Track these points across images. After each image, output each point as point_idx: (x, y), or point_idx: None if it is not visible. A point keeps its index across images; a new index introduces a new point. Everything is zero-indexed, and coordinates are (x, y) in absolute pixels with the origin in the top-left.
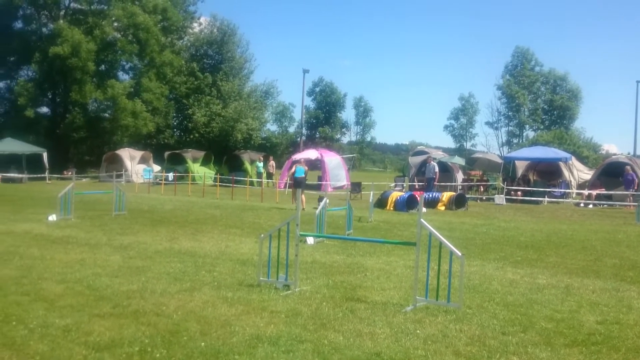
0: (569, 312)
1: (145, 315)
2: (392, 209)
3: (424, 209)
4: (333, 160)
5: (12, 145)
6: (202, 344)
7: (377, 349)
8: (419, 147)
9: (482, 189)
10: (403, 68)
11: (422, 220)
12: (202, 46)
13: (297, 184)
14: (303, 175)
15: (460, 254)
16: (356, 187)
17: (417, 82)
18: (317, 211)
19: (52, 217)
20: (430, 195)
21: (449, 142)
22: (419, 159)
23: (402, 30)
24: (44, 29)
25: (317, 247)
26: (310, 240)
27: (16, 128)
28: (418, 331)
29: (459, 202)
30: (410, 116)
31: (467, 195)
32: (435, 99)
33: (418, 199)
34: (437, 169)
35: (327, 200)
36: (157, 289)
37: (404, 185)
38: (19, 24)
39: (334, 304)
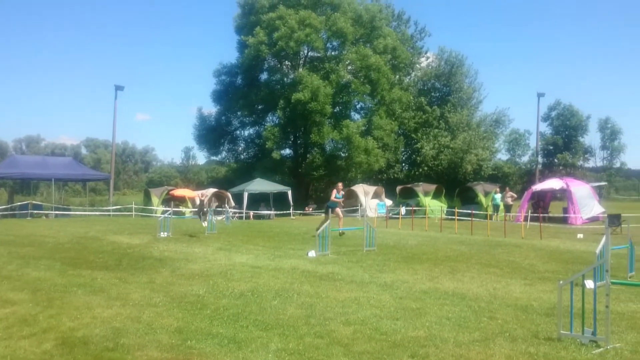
0: None
1: None
2: None
3: None
4: (581, 190)
5: (261, 185)
6: None
7: None
8: None
9: None
10: None
11: None
12: (429, 80)
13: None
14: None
15: None
16: (614, 219)
17: None
18: (597, 250)
19: (312, 253)
20: None
21: None
22: None
23: None
24: (285, 78)
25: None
26: (589, 284)
27: (264, 169)
28: None
29: None
30: None
31: None
32: None
33: None
34: None
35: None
36: (447, 338)
37: None
38: (264, 75)
39: None
